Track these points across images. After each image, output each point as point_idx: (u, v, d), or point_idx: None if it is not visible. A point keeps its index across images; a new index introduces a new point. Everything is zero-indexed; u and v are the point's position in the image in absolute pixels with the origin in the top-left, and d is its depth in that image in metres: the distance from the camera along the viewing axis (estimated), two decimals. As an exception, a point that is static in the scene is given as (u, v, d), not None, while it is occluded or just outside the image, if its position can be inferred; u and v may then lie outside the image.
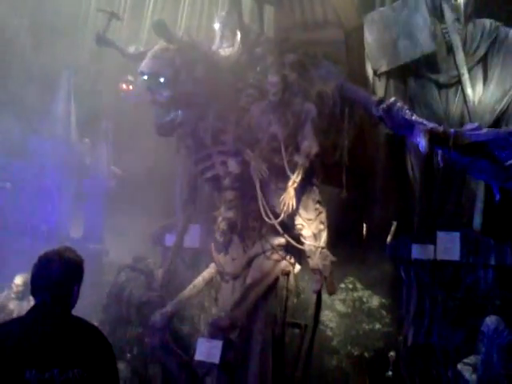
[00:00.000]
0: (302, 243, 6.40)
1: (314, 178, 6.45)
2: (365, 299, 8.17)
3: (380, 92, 7.92)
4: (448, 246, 7.18)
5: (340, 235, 7.16)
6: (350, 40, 6.34)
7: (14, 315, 7.55)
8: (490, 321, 5.71)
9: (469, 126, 5.62)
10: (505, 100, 7.58)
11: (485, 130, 5.50)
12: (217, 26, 7.15)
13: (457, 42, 7.81)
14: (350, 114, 6.56)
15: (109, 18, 7.00)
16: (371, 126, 7.58)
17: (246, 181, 6.39)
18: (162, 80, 5.89)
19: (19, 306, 7.59)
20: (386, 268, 8.08)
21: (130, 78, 9.62)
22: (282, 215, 6.11)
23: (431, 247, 7.29)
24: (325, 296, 6.92)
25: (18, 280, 7.76)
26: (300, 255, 6.73)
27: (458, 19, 8.03)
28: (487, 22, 7.94)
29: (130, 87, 9.35)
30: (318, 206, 6.43)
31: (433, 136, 5.20)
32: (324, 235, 6.42)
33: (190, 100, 6.15)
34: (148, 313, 6.98)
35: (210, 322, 6.22)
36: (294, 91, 6.13)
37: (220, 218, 6.56)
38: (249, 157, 6.24)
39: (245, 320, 6.16)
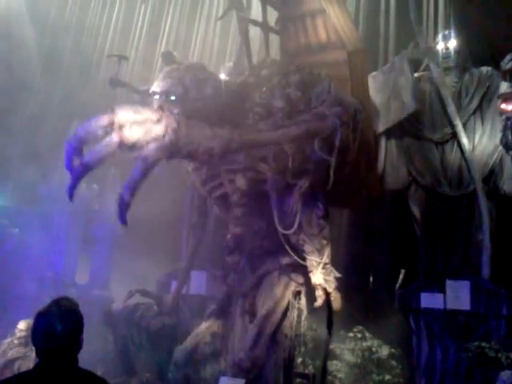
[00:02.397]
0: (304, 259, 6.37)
1: (320, 193, 6.47)
2: (374, 349, 8.00)
3: (382, 151, 8.12)
4: (458, 294, 7.07)
5: (347, 283, 7.10)
6: (352, 61, 6.49)
7: (16, 364, 7.45)
8: (506, 375, 5.55)
9: None
10: (495, 155, 7.65)
11: None
12: (223, 76, 7.43)
13: (446, 95, 7.98)
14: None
15: (118, 60, 7.37)
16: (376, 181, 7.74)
17: (254, 198, 6.43)
18: (172, 98, 6.11)
19: (22, 354, 7.49)
20: (394, 317, 7.94)
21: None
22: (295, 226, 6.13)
23: (441, 296, 7.18)
24: (333, 345, 6.78)
25: (22, 325, 7.69)
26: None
27: (450, 69, 8.22)
28: (484, 71, 8.08)
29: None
30: (321, 221, 6.41)
31: None
32: (327, 250, 6.38)
33: (199, 117, 6.32)
34: (160, 340, 6.91)
35: (232, 364, 6.11)
36: (299, 109, 6.27)
37: (228, 236, 6.55)
38: (265, 169, 6.29)
39: (265, 357, 6.08)
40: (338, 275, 6.35)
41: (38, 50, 12.70)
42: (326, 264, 6.31)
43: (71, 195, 4.74)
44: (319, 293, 6.28)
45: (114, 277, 10.90)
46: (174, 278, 8.39)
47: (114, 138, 4.58)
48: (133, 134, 4.63)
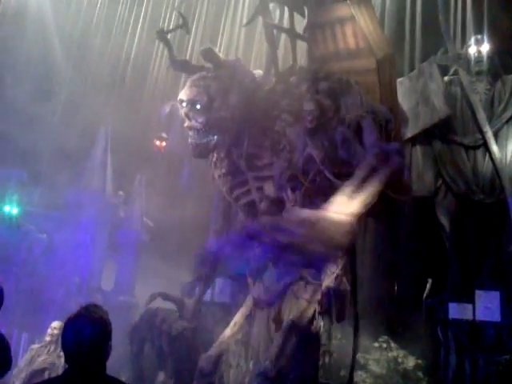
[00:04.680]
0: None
1: None
2: (400, 359, 7.87)
3: (406, 158, 8.01)
4: (488, 305, 6.92)
5: (372, 292, 7.02)
6: (381, 68, 6.45)
7: (45, 374, 7.54)
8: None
9: None
10: None
11: None
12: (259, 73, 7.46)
13: (476, 102, 7.86)
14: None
15: (180, 24, 7.26)
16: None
17: (282, 206, 6.41)
18: (197, 107, 6.19)
19: (49, 363, 7.59)
20: (421, 327, 7.81)
21: (163, 135, 10.03)
22: None
23: (469, 307, 7.04)
24: (358, 355, 6.69)
25: (56, 324, 7.80)
26: None
27: (482, 74, 8.09)
28: None
29: (164, 143, 9.71)
30: None
31: None
32: (342, 262, 6.32)
33: (224, 125, 6.35)
34: (180, 345, 6.97)
35: (258, 373, 6.09)
36: (328, 117, 6.24)
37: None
38: (286, 198, 6.26)
39: (290, 367, 6.04)
40: (348, 288, 6.28)
41: (67, 54, 12.91)
42: (338, 275, 6.27)
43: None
44: (326, 301, 6.24)
45: (140, 283, 10.98)
46: (198, 284, 8.39)
47: None
48: None
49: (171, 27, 7.47)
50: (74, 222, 10.84)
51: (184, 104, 6.36)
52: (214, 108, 6.22)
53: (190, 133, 6.46)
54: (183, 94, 6.39)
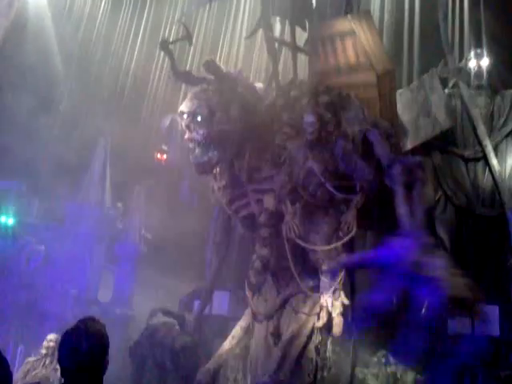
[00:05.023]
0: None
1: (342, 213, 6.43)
2: (399, 375, 7.79)
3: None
4: (486, 320, 6.88)
5: (371, 306, 6.96)
6: (381, 83, 6.51)
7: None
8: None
9: None
10: None
11: None
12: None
13: (476, 116, 7.91)
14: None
15: (183, 36, 7.32)
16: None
17: (281, 219, 6.40)
18: (198, 119, 6.21)
19: (43, 376, 7.51)
20: (420, 341, 7.74)
21: (163, 147, 10.07)
22: (345, 237, 6.14)
23: (468, 321, 6.99)
24: (357, 370, 6.63)
25: (51, 336, 7.72)
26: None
27: (482, 88, 8.16)
28: None
29: (164, 156, 9.74)
30: (340, 246, 6.34)
31: None
32: (341, 275, 6.31)
33: (226, 138, 6.37)
34: (184, 360, 6.92)
35: None
36: (329, 130, 6.28)
37: (254, 257, 6.52)
38: (286, 211, 6.29)
39: (289, 381, 6.00)
40: (346, 302, 6.26)
41: (67, 66, 12.97)
42: (336, 289, 6.24)
43: None
44: (323, 314, 6.22)
45: (138, 295, 10.93)
46: (196, 298, 8.35)
47: None
48: None
49: (175, 38, 7.50)
50: (73, 234, 10.82)
51: (185, 116, 6.39)
52: (214, 121, 6.26)
53: (191, 147, 6.47)
54: (184, 106, 6.42)
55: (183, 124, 6.41)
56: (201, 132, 6.28)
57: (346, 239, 6.22)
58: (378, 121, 6.33)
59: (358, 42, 6.32)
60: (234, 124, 6.35)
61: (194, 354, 6.81)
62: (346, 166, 6.04)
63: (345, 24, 6.52)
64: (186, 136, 6.44)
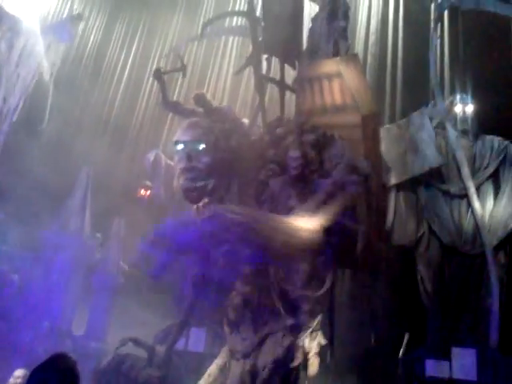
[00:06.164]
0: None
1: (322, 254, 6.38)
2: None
3: (390, 203, 8.09)
4: (464, 363, 6.85)
5: (347, 346, 6.90)
6: (366, 124, 6.60)
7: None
8: None
9: None
10: None
11: None
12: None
13: (461, 158, 8.10)
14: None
15: (178, 67, 7.44)
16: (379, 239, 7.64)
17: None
18: (201, 147, 6.19)
19: None
20: (398, 382, 7.67)
21: (147, 183, 10.06)
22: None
23: (446, 364, 6.96)
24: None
25: (19, 372, 7.43)
26: None
27: (466, 132, 8.38)
28: (495, 140, 8.27)
29: (148, 192, 9.73)
30: (319, 284, 6.28)
31: None
32: (319, 316, 6.22)
33: (223, 167, 6.36)
34: None
35: None
36: (313, 168, 6.32)
37: (234, 293, 6.42)
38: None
39: None
40: (323, 343, 6.19)
41: (53, 93, 12.98)
42: (314, 329, 6.19)
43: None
44: (299, 354, 6.12)
45: (114, 328, 10.65)
46: (171, 334, 8.17)
47: None
48: None
49: (168, 68, 7.66)
50: (50, 263, 10.59)
51: (181, 145, 6.37)
52: (219, 149, 6.31)
53: (188, 175, 6.44)
54: (182, 135, 6.43)
55: (181, 153, 6.37)
56: (204, 160, 6.27)
57: (324, 289, 6.17)
58: (357, 161, 6.40)
59: (344, 83, 6.45)
60: (233, 154, 6.39)
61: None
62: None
63: (332, 65, 6.67)
64: (183, 166, 6.40)
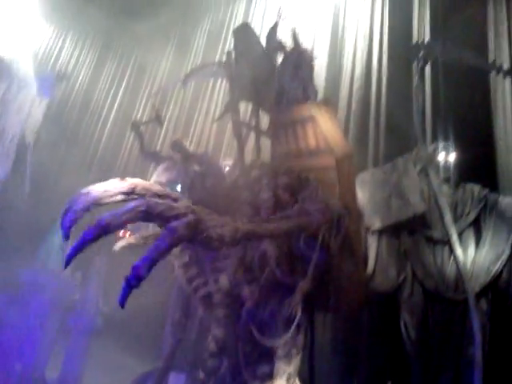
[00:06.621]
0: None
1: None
2: None
3: (372, 248, 8.08)
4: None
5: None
6: (340, 167, 6.56)
7: None
8: None
9: None
10: (499, 262, 7.66)
11: None
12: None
13: (444, 205, 8.17)
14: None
15: (155, 117, 7.53)
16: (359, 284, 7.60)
17: (237, 298, 6.23)
18: (178, 188, 6.18)
19: None
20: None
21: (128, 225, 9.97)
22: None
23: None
24: None
25: None
26: None
27: (448, 180, 8.51)
28: (476, 188, 8.38)
29: (127, 234, 9.63)
30: (296, 329, 6.14)
31: None
32: (296, 361, 6.07)
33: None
34: None
35: None
36: (286, 212, 6.28)
37: (210, 338, 6.27)
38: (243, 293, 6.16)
39: None
40: None
41: (39, 131, 12.98)
42: (290, 375, 6.05)
43: (70, 259, 4.40)
44: None
45: (90, 373, 10.31)
46: (151, 379, 7.94)
47: (141, 205, 4.41)
48: (157, 205, 4.51)
49: (145, 119, 7.88)
50: (25, 304, 10.31)
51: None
52: (195, 190, 6.37)
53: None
54: (160, 176, 6.48)
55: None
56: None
57: (293, 329, 6.08)
58: (330, 202, 6.41)
59: (317, 127, 6.54)
60: (209, 196, 6.40)
61: None
62: (302, 250, 6.04)
63: (305, 110, 6.74)
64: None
